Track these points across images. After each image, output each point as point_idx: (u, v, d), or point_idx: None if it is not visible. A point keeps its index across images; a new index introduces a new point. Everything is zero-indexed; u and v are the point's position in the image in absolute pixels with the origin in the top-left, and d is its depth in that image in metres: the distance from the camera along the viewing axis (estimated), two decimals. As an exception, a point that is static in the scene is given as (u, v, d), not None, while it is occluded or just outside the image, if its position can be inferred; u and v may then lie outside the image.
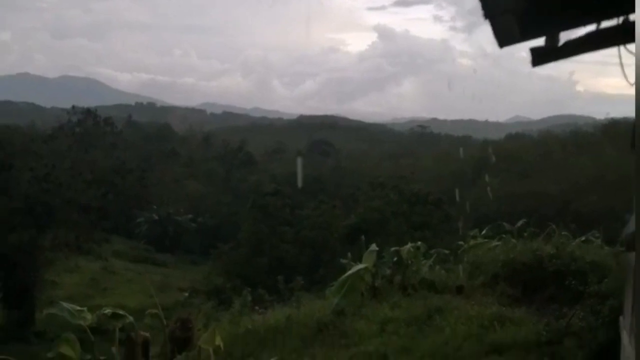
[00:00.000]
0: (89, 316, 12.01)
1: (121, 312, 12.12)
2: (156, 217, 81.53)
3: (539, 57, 5.59)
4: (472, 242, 20.96)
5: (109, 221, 68.71)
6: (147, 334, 12.54)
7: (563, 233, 19.95)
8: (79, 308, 12.15)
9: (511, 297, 15.42)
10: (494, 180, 66.40)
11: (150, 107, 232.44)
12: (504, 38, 5.07)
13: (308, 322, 16.05)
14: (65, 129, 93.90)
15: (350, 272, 17.08)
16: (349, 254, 20.22)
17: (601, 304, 11.26)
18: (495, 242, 20.28)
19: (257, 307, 19.24)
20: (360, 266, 17.30)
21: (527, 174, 64.11)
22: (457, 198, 47.67)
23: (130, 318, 12.06)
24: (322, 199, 62.67)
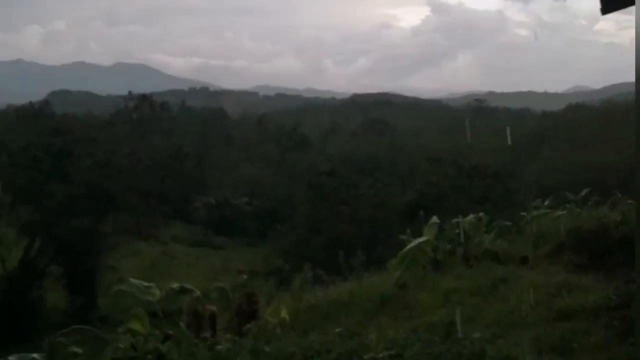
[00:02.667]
0: (157, 292, 12.24)
1: (189, 286, 12.36)
2: (213, 201, 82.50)
3: (608, 4, 5.47)
4: (535, 213, 20.56)
5: (167, 206, 69.95)
6: (214, 308, 12.76)
7: (629, 201, 19.42)
8: (147, 284, 12.38)
9: (578, 265, 15.11)
10: (554, 152, 65.17)
11: (204, 92, 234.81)
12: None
13: (370, 295, 16.05)
14: (121, 115, 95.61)
15: (411, 245, 17.00)
16: (408, 230, 20.08)
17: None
18: (559, 212, 19.86)
19: (316, 287, 19.31)
20: (422, 239, 17.19)
21: (589, 144, 62.62)
22: (517, 171, 46.87)
23: (198, 292, 12.28)
24: (378, 177, 62.52)
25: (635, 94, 3.45)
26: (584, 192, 22.85)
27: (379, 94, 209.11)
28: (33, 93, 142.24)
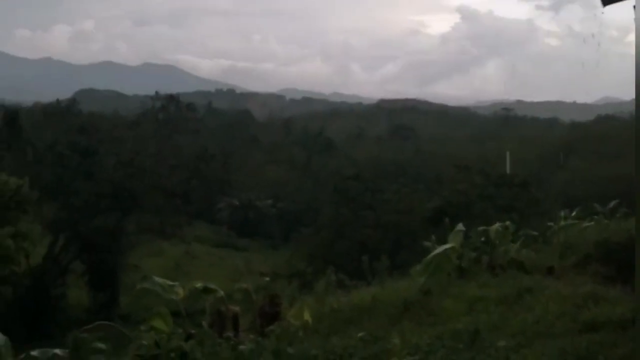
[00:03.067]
0: (180, 291, 12.24)
1: (212, 286, 12.34)
2: (237, 203, 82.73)
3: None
4: (562, 223, 20.34)
5: (192, 206, 70.21)
6: (237, 308, 12.74)
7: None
8: (170, 283, 12.38)
9: (605, 277, 14.90)
10: (583, 163, 64.66)
11: (230, 94, 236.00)
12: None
13: (394, 301, 15.93)
14: (148, 115, 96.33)
15: (436, 251, 16.87)
16: (433, 237, 19.95)
17: None
18: (586, 223, 19.65)
19: (339, 291, 19.22)
20: (447, 246, 17.05)
21: (619, 156, 61.90)
22: (545, 181, 46.37)
23: (221, 292, 12.27)
24: (403, 182, 62.26)
25: (635, 99, 3.37)
26: (612, 203, 22.59)
27: (406, 100, 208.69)
28: (60, 91, 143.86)
